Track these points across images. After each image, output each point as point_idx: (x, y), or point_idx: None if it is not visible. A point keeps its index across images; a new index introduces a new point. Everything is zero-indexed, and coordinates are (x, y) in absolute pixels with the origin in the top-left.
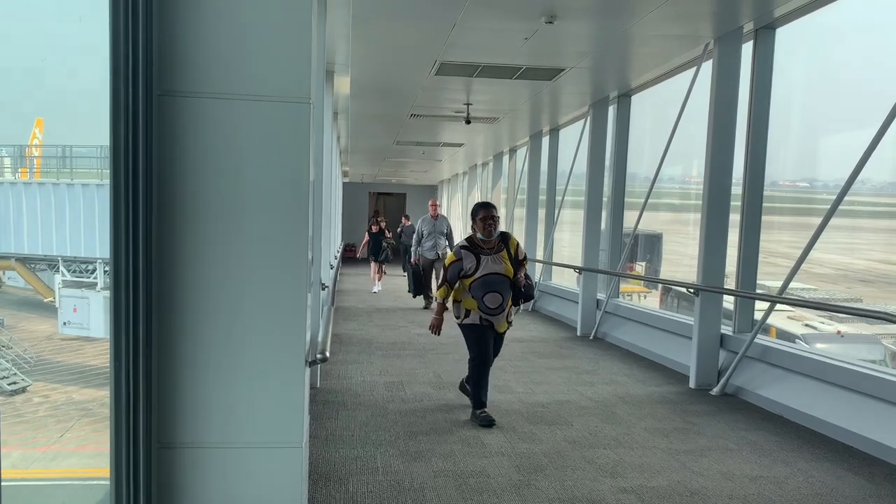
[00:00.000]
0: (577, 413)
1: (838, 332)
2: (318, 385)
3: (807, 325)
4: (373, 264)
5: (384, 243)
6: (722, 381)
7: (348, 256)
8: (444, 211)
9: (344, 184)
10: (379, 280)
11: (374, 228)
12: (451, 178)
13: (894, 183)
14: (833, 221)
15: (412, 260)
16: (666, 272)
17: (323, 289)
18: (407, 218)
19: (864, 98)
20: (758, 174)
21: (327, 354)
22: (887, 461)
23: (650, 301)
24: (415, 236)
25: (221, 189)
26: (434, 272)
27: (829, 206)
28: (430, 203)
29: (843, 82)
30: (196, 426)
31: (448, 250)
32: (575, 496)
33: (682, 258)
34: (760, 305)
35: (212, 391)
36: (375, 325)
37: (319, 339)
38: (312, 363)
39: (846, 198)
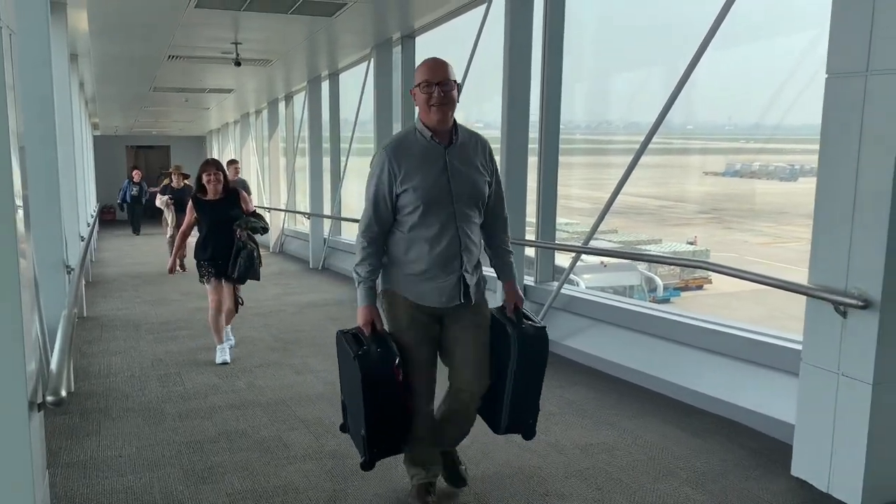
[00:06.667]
0: None
1: (602, 263)
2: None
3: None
4: (211, 287)
5: (238, 230)
6: None
7: (106, 219)
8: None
9: (95, 137)
10: (225, 334)
11: (209, 185)
12: (220, 128)
13: (637, 122)
14: (582, 160)
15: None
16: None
17: (68, 272)
18: (236, 169)
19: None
20: (553, 117)
21: (63, 395)
22: (705, 409)
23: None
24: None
25: None
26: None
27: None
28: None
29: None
30: None
31: None
32: (401, 494)
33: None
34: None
35: None
36: (143, 300)
37: (54, 365)
38: (41, 407)
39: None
